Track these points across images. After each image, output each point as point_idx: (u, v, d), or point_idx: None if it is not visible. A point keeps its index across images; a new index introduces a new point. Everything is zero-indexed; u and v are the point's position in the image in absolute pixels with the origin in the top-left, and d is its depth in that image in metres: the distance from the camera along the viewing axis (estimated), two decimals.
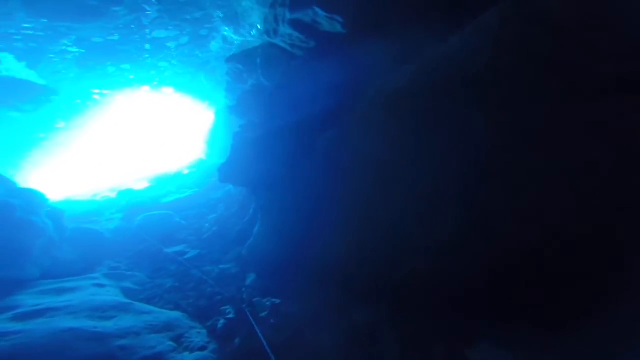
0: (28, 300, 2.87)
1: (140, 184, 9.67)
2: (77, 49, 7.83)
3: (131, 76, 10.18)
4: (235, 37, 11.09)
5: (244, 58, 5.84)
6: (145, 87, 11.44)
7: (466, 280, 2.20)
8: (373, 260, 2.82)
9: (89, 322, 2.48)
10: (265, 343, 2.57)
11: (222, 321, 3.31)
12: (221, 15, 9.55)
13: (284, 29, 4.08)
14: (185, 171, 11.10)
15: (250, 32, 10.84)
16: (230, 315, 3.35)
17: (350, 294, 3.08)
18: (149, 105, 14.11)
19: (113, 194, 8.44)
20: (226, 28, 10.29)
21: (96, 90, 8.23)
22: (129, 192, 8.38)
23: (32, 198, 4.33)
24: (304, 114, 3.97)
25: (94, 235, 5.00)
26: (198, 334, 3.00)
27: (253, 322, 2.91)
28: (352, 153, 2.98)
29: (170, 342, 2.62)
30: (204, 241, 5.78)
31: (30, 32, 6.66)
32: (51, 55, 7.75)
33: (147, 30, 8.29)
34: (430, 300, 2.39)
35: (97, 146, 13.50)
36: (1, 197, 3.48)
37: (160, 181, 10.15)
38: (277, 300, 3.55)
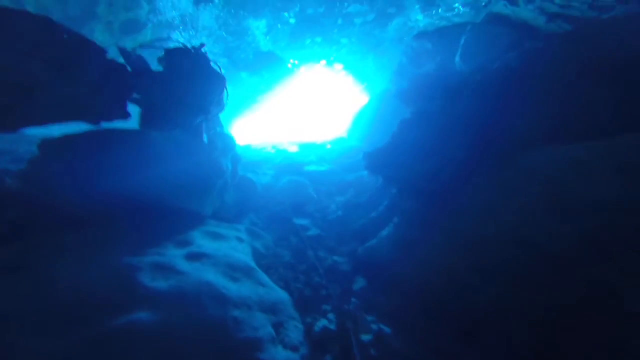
0: (197, 238, 3.44)
1: (292, 148, 10.97)
2: (294, 20, 9.14)
3: (318, 50, 11.23)
4: (420, 17, 10.26)
5: (437, 36, 5.07)
6: (323, 62, 12.52)
7: None
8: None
9: (222, 279, 2.71)
10: None
11: (320, 324, 3.10)
12: None
13: None
14: (328, 146, 11.68)
15: (440, 12, 9.74)
16: (329, 323, 3.10)
17: None
18: (318, 79, 15.63)
19: (272, 151, 9.90)
20: (416, 6, 9.58)
21: (292, 60, 9.53)
22: (283, 152, 9.61)
23: (227, 142, 5.26)
24: (517, 117, 3.03)
25: (251, 187, 5.86)
26: (295, 329, 2.89)
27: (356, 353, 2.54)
28: None
29: (271, 330, 2.58)
30: (327, 223, 5.85)
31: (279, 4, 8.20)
32: (278, 26, 9.42)
33: (345, 4, 8.66)
34: None
35: (272, 107, 16.25)
36: (208, 138, 4.48)
37: (306, 149, 11.17)
38: (387, 329, 3.03)
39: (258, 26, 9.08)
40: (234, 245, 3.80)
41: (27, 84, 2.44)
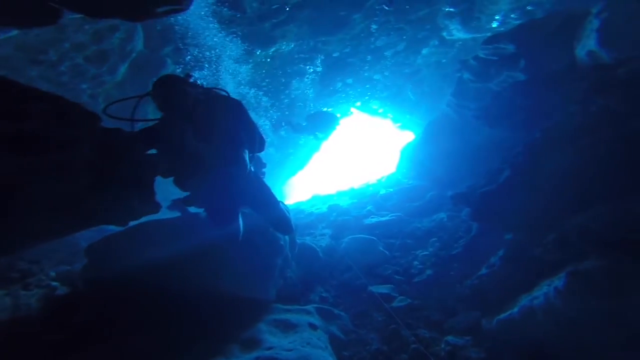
0: (266, 334, 2.99)
1: (343, 200, 10.53)
2: (320, 68, 9.61)
3: (350, 92, 11.45)
4: (458, 34, 10.15)
5: (528, 33, 4.50)
6: (358, 103, 12.71)
7: None
8: None
9: None
10: None
11: None
12: (452, 9, 8.86)
13: None
14: (382, 191, 11.12)
15: (484, 25, 9.55)
16: None
17: None
18: (355, 122, 15.88)
19: (324, 207, 9.53)
20: (450, 24, 9.54)
21: (325, 109, 9.77)
22: (336, 207, 9.16)
23: None
24: None
25: (312, 254, 5.35)
26: None
27: None
28: None
29: None
30: (415, 287, 4.94)
31: (303, 55, 8.81)
32: (306, 78, 9.99)
33: (372, 39, 8.88)
34: None
35: (315, 159, 16.55)
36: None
37: (359, 197, 10.64)
38: None
39: (293, 84, 9.67)
40: (307, 337, 3.26)
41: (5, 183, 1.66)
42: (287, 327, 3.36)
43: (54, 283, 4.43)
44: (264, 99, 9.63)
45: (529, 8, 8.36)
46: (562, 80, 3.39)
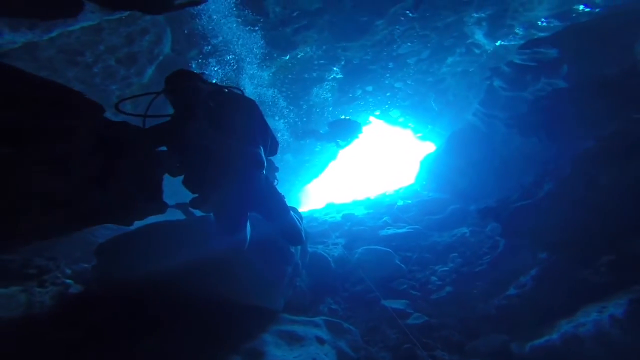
0: (270, 346, 2.91)
1: (359, 209, 10.27)
2: (340, 75, 9.55)
3: (370, 99, 11.28)
4: (485, 42, 9.84)
5: (573, 35, 4.17)
6: (377, 112, 12.52)
7: None
8: None
9: None
10: None
11: None
12: (476, 16, 8.57)
13: None
14: (400, 202, 10.79)
15: (512, 34, 9.21)
16: None
17: None
18: (376, 130, 15.66)
19: (339, 215, 9.32)
20: (478, 32, 9.24)
21: (342, 116, 9.67)
22: (351, 216, 8.93)
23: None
24: None
25: (324, 263, 5.16)
26: None
27: None
28: None
29: None
30: (433, 305, 4.62)
31: (323, 61, 8.82)
32: (325, 85, 9.96)
33: (394, 46, 8.71)
34: None
35: (333, 167, 16.44)
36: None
37: (375, 207, 10.35)
38: None
39: (312, 90, 9.68)
40: (314, 352, 3.10)
41: None
42: (293, 339, 3.20)
43: (68, 281, 4.44)
44: (281, 101, 9.66)
45: (567, 16, 7.95)
46: (617, 85, 3.05)
